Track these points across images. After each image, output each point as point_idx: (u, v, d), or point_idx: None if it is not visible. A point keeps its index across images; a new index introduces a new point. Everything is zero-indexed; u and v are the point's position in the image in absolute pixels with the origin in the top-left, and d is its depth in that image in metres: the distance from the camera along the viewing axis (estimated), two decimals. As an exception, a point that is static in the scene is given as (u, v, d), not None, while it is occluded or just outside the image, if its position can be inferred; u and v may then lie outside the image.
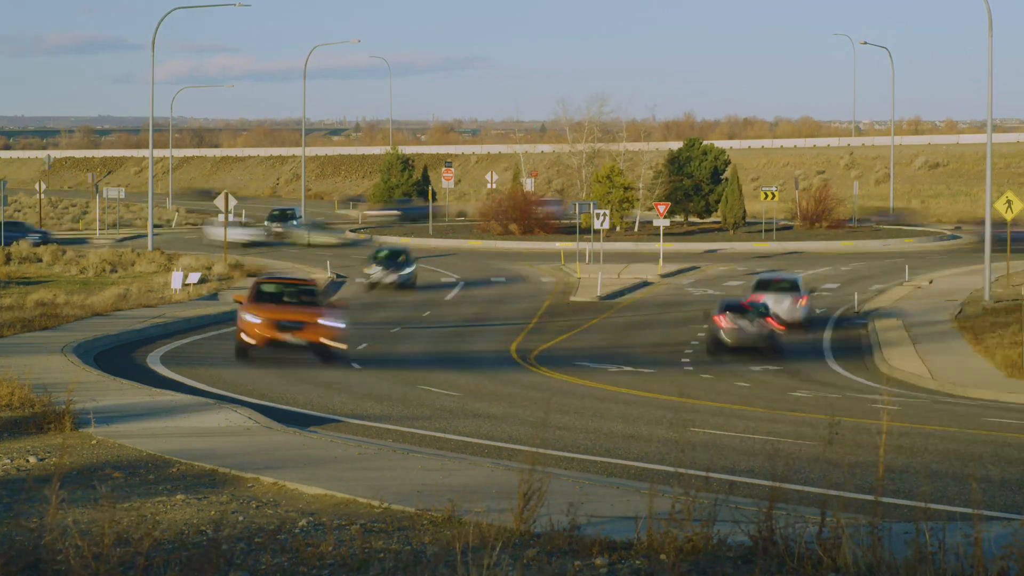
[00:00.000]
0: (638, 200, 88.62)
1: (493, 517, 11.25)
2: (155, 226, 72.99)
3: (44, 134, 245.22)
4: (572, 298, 54.00)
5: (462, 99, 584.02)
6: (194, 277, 52.31)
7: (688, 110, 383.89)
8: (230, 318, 44.67)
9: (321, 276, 59.22)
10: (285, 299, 33.43)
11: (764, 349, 38.18)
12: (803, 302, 43.61)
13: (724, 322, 38.12)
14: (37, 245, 70.47)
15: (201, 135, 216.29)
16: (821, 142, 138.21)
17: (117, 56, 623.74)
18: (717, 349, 38.48)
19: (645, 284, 59.66)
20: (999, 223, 53.66)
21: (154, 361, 31.63)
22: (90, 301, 43.92)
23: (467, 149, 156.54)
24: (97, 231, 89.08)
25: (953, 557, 9.78)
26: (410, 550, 10.76)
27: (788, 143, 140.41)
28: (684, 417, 22.82)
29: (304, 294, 33.87)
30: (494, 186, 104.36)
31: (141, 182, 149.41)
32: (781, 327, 39.18)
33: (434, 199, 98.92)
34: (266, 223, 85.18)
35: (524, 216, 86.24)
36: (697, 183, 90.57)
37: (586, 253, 66.78)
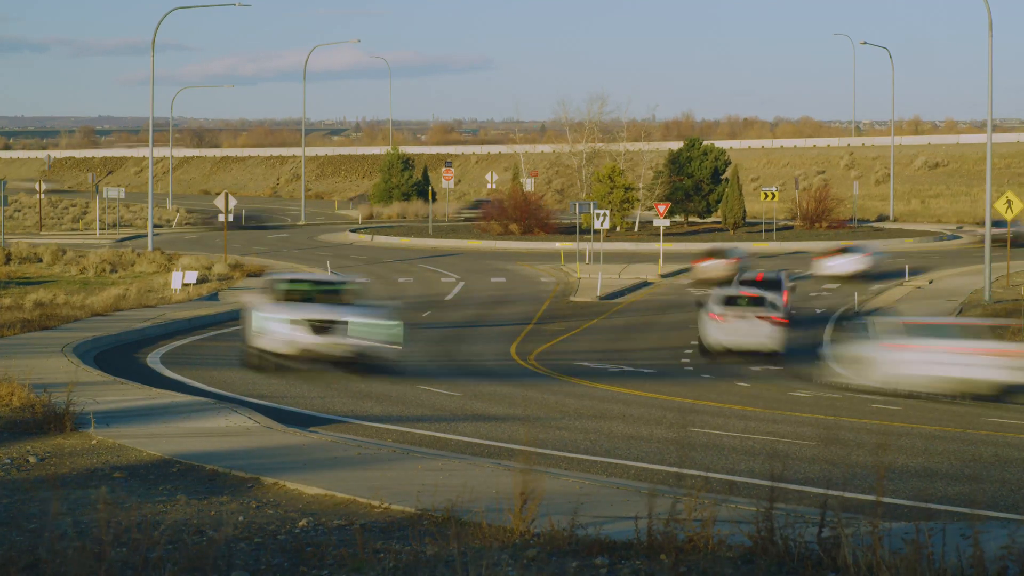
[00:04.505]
0: (638, 200, 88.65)
1: (493, 517, 11.25)
2: (155, 226, 72.99)
3: (44, 134, 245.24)
4: (572, 298, 53.97)
5: (462, 99, 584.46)
6: (193, 277, 52.29)
7: (688, 110, 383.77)
8: (230, 318, 44.69)
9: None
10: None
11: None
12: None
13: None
14: None
15: (201, 135, 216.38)
16: (821, 142, 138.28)
17: (155, 58, 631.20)
18: None
19: (645, 284, 59.65)
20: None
21: (154, 361, 31.58)
22: (90, 301, 43.89)
23: (467, 149, 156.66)
24: (97, 231, 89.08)
25: (953, 557, 9.78)
26: (410, 550, 10.75)
27: (788, 143, 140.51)
28: (684, 417, 22.81)
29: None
30: (494, 186, 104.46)
31: (141, 182, 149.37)
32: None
33: (434, 199, 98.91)
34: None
35: (524, 216, 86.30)
36: (697, 183, 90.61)
37: (586, 253, 66.80)
